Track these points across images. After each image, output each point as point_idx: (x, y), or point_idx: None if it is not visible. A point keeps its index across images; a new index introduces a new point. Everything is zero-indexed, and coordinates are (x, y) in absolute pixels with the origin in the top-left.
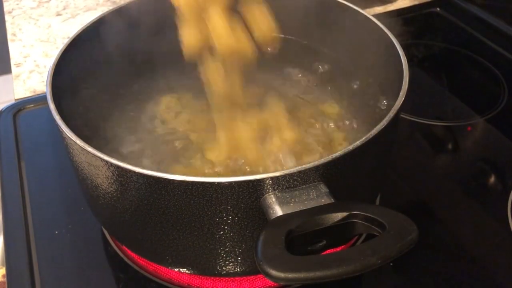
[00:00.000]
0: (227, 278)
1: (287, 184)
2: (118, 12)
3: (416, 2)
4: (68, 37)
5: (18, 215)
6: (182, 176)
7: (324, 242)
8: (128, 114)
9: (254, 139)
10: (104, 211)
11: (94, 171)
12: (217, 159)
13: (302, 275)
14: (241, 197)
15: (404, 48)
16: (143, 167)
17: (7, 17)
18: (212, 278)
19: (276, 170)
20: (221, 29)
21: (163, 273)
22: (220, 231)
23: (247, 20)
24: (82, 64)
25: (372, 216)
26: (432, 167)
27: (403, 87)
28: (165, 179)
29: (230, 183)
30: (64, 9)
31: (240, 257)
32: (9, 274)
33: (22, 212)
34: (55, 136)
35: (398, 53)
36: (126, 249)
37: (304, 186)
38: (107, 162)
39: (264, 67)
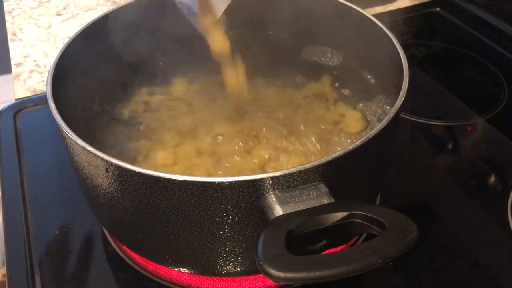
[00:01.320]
0: (227, 278)
1: (287, 184)
2: (118, 12)
3: (416, 2)
4: (68, 37)
5: (18, 215)
6: (182, 176)
7: (324, 242)
8: (128, 113)
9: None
10: (104, 211)
11: (94, 171)
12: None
13: (302, 275)
14: (241, 197)
15: (404, 48)
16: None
17: (7, 17)
18: (212, 278)
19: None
20: None
21: (163, 273)
22: (220, 231)
23: None
24: (82, 64)
25: (372, 216)
26: (432, 167)
27: (403, 87)
28: (165, 179)
29: (230, 183)
30: (64, 9)
31: (240, 256)
32: (9, 274)
33: (22, 212)
34: (55, 136)
35: (398, 53)
36: (126, 249)
37: (304, 186)
38: (107, 162)
39: (262, 68)
